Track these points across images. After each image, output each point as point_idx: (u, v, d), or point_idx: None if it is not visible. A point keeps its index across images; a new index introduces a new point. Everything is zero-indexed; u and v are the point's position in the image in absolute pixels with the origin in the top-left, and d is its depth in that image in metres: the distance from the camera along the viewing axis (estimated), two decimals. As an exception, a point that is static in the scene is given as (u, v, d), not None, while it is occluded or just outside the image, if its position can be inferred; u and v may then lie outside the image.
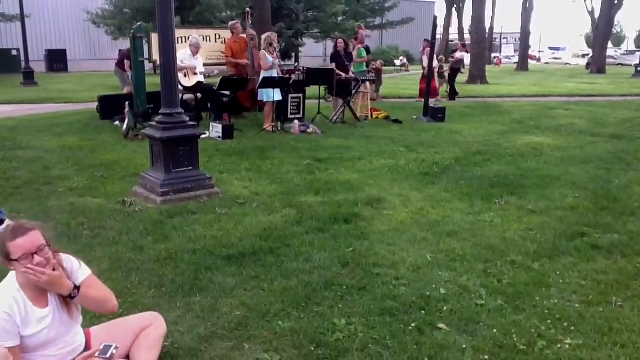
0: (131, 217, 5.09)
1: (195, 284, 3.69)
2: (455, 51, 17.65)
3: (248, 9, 12.39)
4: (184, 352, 2.89)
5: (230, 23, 12.21)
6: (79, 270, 2.46)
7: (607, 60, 39.96)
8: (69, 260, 2.44)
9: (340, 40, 12.32)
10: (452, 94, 16.85)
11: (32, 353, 2.30)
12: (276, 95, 10.02)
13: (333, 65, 11.89)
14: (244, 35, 11.54)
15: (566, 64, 52.62)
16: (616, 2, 36.50)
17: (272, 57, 10.18)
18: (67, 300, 2.35)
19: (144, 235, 4.61)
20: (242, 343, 2.99)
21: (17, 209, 5.23)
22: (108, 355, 2.32)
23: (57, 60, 32.27)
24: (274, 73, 10.25)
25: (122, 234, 4.63)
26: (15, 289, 2.27)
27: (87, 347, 2.48)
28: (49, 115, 12.09)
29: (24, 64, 21.87)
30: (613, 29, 48.08)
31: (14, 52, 29.86)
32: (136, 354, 2.54)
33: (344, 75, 11.79)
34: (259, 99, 10.47)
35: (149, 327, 2.64)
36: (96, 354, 2.30)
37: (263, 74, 10.09)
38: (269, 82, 9.94)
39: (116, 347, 2.37)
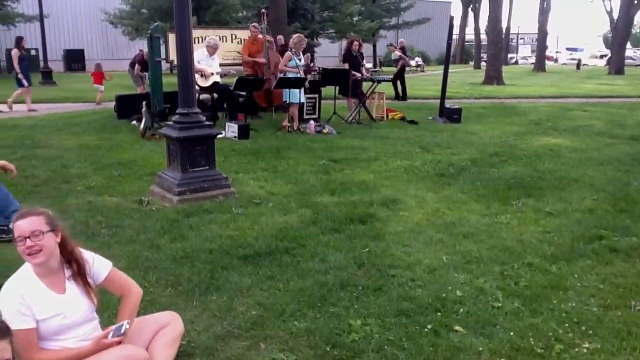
0: (148, 216, 5.13)
1: (212, 283, 3.71)
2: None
3: (264, 10, 12.41)
4: (201, 350, 2.91)
5: (250, 25, 12.25)
6: (96, 266, 2.54)
7: (626, 61, 39.50)
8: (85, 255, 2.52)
9: (355, 42, 12.30)
10: (404, 95, 16.47)
11: (49, 341, 2.34)
12: (301, 97, 10.10)
13: (346, 66, 11.87)
14: (262, 37, 11.59)
15: (584, 64, 51.71)
16: (635, 2, 36.10)
17: (298, 59, 10.22)
18: (87, 286, 2.44)
19: (161, 234, 4.64)
20: (258, 342, 3.00)
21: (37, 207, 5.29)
22: (122, 331, 2.36)
23: (75, 59, 32.67)
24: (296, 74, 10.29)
25: (139, 232, 4.68)
26: (31, 274, 2.34)
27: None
28: (67, 115, 12.23)
29: (42, 63, 22.18)
30: (632, 29, 47.53)
31: (33, 52, 30.17)
32: (154, 352, 2.56)
33: (358, 75, 11.77)
34: (283, 99, 10.43)
35: (167, 326, 2.66)
36: (109, 336, 2.35)
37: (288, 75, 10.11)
38: (285, 83, 9.97)
39: (128, 323, 2.41)
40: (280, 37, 13.22)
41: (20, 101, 13.18)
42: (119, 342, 2.36)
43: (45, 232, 2.29)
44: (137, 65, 13.96)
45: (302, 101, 10.27)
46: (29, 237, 2.25)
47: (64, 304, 2.35)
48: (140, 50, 14.80)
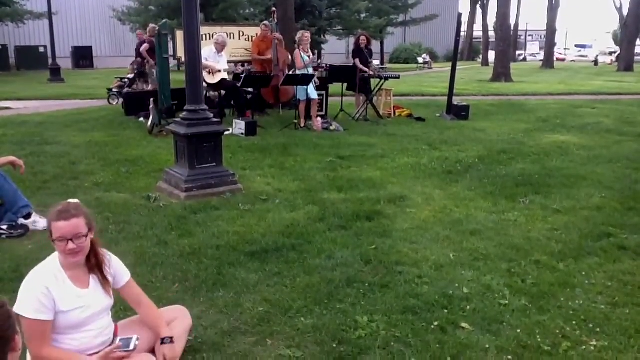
0: (155, 212, 5.14)
1: (219, 279, 3.72)
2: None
3: (274, 8, 12.39)
4: (208, 346, 2.92)
5: (261, 24, 12.19)
6: (116, 266, 2.56)
7: (636, 57, 39.17)
8: (113, 260, 2.55)
9: (362, 37, 12.26)
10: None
11: (63, 335, 2.34)
12: (313, 93, 10.13)
13: (357, 62, 11.84)
14: (271, 34, 11.56)
15: (593, 62, 50.93)
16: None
17: (307, 55, 10.20)
18: (105, 281, 2.45)
19: (168, 231, 4.66)
20: (264, 338, 3.01)
21: (45, 203, 5.31)
22: (131, 347, 2.35)
23: (83, 57, 32.82)
24: (310, 71, 10.26)
25: (147, 228, 4.69)
26: (57, 267, 2.34)
27: (113, 342, 2.51)
28: (75, 111, 12.28)
29: (51, 60, 22.30)
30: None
31: (42, 49, 30.40)
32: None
33: (368, 71, 11.74)
34: (298, 97, 10.38)
35: (174, 321, 2.67)
36: (115, 348, 2.34)
37: (298, 72, 10.10)
38: (292, 79, 9.96)
39: (137, 339, 2.40)
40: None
41: None
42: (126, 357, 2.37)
43: (87, 233, 2.31)
44: (144, 46, 13.60)
45: (313, 97, 10.25)
46: (71, 240, 2.25)
47: (86, 298, 2.36)
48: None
